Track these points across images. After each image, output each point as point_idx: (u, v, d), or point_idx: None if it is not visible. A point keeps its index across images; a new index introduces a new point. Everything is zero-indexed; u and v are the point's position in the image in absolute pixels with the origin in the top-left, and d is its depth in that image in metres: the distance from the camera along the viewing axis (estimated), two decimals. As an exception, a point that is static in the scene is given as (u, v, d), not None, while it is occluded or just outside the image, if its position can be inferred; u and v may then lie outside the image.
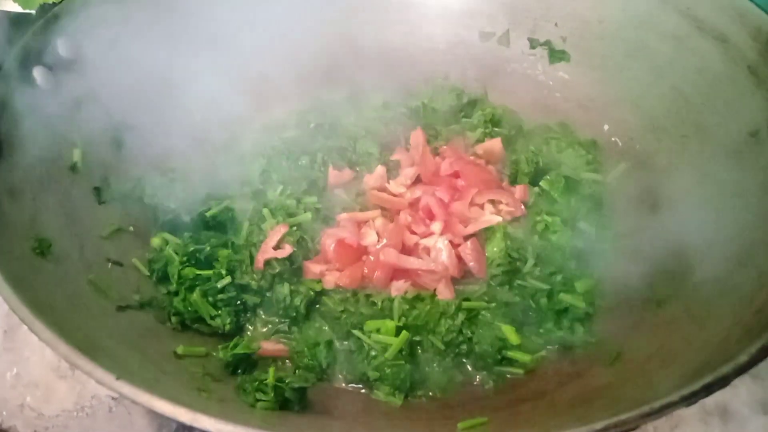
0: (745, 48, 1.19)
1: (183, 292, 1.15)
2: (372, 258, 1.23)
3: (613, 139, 1.43)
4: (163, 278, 1.19)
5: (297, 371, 1.10)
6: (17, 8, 1.22)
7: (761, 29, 1.18)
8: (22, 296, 0.86)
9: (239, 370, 1.09)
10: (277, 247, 1.21)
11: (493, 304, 1.16)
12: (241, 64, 1.49)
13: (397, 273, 1.22)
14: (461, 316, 1.12)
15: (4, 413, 1.18)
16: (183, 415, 0.72)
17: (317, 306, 1.20)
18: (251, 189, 1.36)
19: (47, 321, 0.83)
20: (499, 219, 1.27)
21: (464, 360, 1.13)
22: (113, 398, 1.18)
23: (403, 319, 1.12)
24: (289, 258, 1.20)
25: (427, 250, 1.24)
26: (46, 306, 0.89)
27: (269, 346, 1.14)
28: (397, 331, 1.09)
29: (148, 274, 1.20)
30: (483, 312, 1.15)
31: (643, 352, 1.00)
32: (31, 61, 1.16)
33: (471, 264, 1.22)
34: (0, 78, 1.11)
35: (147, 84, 1.35)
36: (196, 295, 1.14)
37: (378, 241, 1.25)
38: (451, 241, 1.23)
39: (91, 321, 0.98)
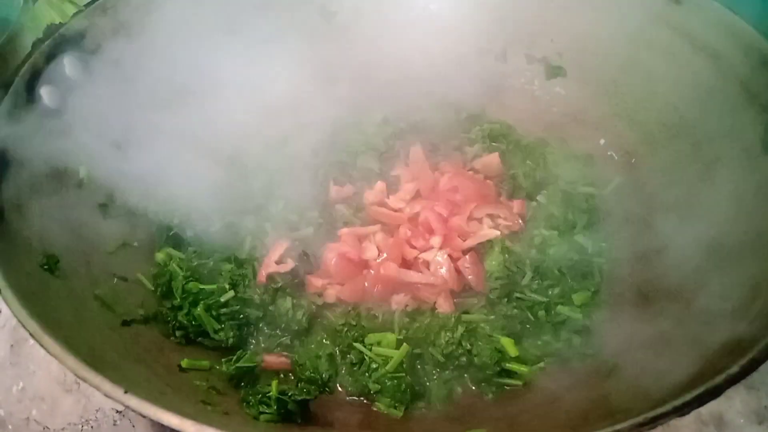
0: (738, 64, 1.21)
1: (187, 307, 1.17)
2: (372, 272, 1.25)
3: (609, 153, 1.45)
4: (168, 293, 1.21)
5: (299, 384, 1.12)
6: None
7: (752, 46, 1.20)
8: (31, 311, 0.88)
9: (242, 383, 1.11)
10: (279, 262, 1.23)
11: (492, 317, 1.19)
12: (243, 81, 1.51)
13: (398, 287, 1.24)
14: (461, 329, 1.14)
15: (10, 427, 1.19)
16: (189, 427, 0.74)
17: (319, 319, 1.22)
18: (254, 204, 1.38)
19: (56, 335, 0.85)
20: (497, 233, 1.29)
21: (464, 372, 1.14)
22: (118, 411, 1.20)
23: (404, 332, 1.14)
24: (291, 272, 1.22)
25: (427, 264, 1.26)
26: (54, 321, 0.90)
27: (272, 360, 1.16)
28: (398, 344, 1.12)
29: (153, 288, 1.22)
30: (482, 325, 1.17)
31: (639, 364, 1.01)
32: (38, 80, 1.18)
33: (470, 277, 1.24)
34: (8, 97, 1.13)
35: (151, 101, 1.38)
36: (199, 310, 1.16)
37: (378, 255, 1.27)
38: (450, 255, 1.25)
39: (98, 335, 1.00)
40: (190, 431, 0.74)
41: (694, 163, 1.26)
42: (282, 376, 1.15)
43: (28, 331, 0.85)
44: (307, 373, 1.13)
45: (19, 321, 0.86)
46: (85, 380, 0.80)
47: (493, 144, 1.49)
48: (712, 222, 1.15)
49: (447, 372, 1.13)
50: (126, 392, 0.78)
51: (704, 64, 1.28)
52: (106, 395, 0.79)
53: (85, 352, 0.86)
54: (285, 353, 1.19)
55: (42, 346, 0.84)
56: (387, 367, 1.09)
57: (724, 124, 1.22)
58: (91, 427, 1.19)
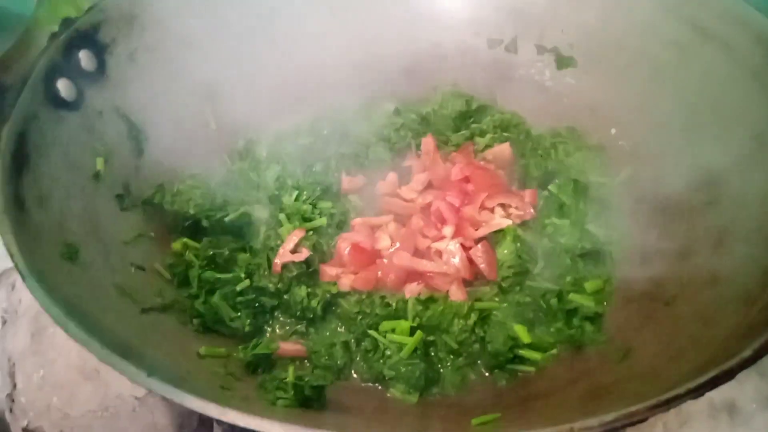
0: (749, 54, 1.21)
1: (203, 295, 1.19)
2: (386, 261, 1.26)
3: (620, 143, 1.45)
4: (184, 282, 1.23)
5: (315, 370, 1.14)
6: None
7: (764, 35, 1.20)
8: (54, 299, 0.89)
9: (259, 370, 1.12)
10: (294, 251, 1.24)
11: (505, 305, 1.20)
12: (255, 74, 1.53)
13: (411, 275, 1.25)
14: (474, 317, 1.15)
15: (32, 414, 1.21)
16: (212, 410, 0.75)
17: (333, 308, 1.23)
18: (267, 195, 1.40)
19: (79, 323, 0.87)
20: (508, 222, 1.30)
21: (477, 359, 1.16)
22: (137, 398, 1.21)
23: (417, 319, 1.14)
24: (306, 261, 1.24)
25: (439, 253, 1.27)
26: (77, 308, 0.92)
27: (288, 347, 1.17)
28: (412, 331, 1.13)
29: (170, 277, 1.24)
30: (495, 312, 1.18)
31: (652, 350, 1.02)
32: (55, 73, 1.20)
33: (482, 266, 1.25)
34: (26, 91, 1.15)
35: (165, 94, 1.40)
36: (216, 298, 1.18)
37: (391, 244, 1.28)
38: (462, 245, 1.26)
39: (118, 323, 1.01)
40: (212, 413, 0.76)
41: (705, 152, 1.26)
42: (298, 363, 1.16)
43: (52, 317, 0.87)
44: (323, 360, 1.15)
45: (44, 308, 0.88)
46: (110, 365, 0.81)
47: (504, 134, 1.50)
48: (723, 211, 1.16)
49: (460, 359, 1.14)
50: (149, 376, 0.80)
51: (715, 53, 1.28)
52: (131, 380, 0.80)
53: (107, 338, 0.87)
54: (300, 340, 1.21)
55: (66, 332, 0.85)
56: (401, 354, 1.10)
57: (735, 114, 1.22)
58: (111, 414, 1.20)
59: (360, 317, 1.18)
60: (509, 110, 1.56)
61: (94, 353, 0.83)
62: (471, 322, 1.14)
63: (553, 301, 1.18)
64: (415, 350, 1.11)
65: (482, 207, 1.34)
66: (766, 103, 1.16)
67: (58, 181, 1.14)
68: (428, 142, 1.47)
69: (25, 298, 1.32)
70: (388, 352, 1.12)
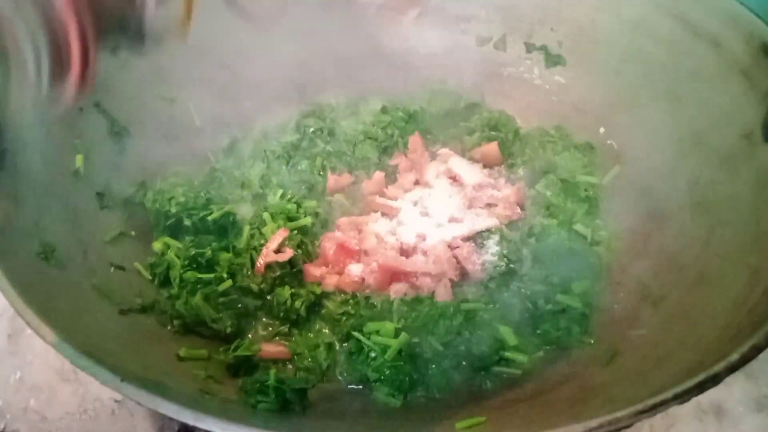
0: (738, 52, 1.20)
1: (185, 296, 1.16)
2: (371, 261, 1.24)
3: (608, 141, 1.44)
4: (165, 282, 1.21)
5: (298, 373, 1.12)
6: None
7: (754, 33, 1.19)
8: (27, 300, 0.87)
9: (241, 372, 1.10)
10: (277, 251, 1.22)
11: (491, 306, 1.18)
12: (240, 70, 1.51)
13: (396, 276, 1.23)
14: (459, 318, 1.13)
15: (8, 416, 1.19)
16: (187, 416, 0.74)
17: (317, 308, 1.22)
18: (251, 193, 1.38)
19: (53, 324, 0.84)
20: (496, 222, 1.29)
21: (462, 360, 1.14)
22: (116, 401, 1.19)
23: (402, 320, 1.13)
24: (290, 261, 1.21)
25: (425, 253, 1.25)
26: (51, 310, 0.90)
27: (270, 349, 1.15)
28: (397, 333, 1.11)
29: (150, 278, 1.22)
30: (481, 313, 1.16)
31: (639, 352, 1.01)
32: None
33: (468, 266, 1.23)
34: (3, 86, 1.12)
35: (148, 89, 1.37)
36: (197, 299, 1.15)
37: (377, 244, 1.26)
38: (448, 245, 1.25)
39: (95, 324, 0.99)
40: (187, 420, 0.74)
41: (694, 150, 1.25)
42: (280, 365, 1.14)
43: (24, 320, 0.85)
44: (306, 362, 1.13)
45: (16, 310, 0.86)
46: (82, 369, 0.79)
47: (492, 133, 1.48)
48: (711, 210, 1.15)
49: (446, 361, 1.12)
50: (123, 381, 0.77)
51: (704, 51, 1.27)
52: (104, 384, 0.78)
53: (82, 341, 0.85)
54: (283, 342, 1.19)
55: (39, 335, 0.83)
56: (386, 356, 1.08)
57: (724, 112, 1.21)
58: (89, 416, 1.18)
59: (344, 318, 1.17)
60: (497, 108, 1.54)
61: (67, 356, 0.81)
62: (456, 323, 1.12)
63: (540, 302, 1.17)
64: (399, 352, 1.09)
65: (469, 206, 1.33)
66: (755, 102, 1.15)
67: (36, 180, 1.12)
68: (415, 140, 1.46)
69: (1, 299, 1.29)
70: (372, 354, 1.10)
